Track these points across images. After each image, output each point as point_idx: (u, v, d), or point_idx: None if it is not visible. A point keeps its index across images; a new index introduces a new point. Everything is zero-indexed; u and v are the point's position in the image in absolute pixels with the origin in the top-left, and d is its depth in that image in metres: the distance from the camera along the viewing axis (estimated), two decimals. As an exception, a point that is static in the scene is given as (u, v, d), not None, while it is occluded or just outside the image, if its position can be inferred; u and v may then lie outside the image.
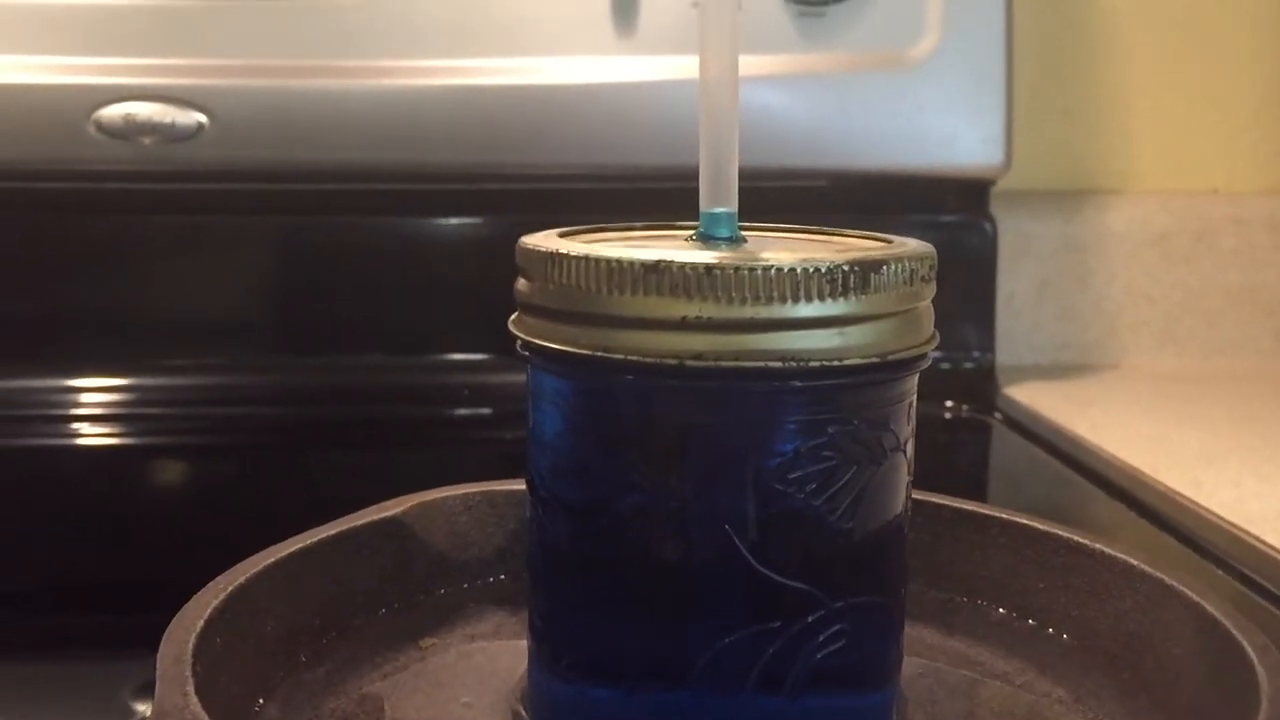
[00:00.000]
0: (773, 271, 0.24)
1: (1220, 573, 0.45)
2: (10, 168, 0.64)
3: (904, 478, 0.27)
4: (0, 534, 0.50)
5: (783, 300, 0.24)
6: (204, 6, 0.65)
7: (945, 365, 0.70)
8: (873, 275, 0.25)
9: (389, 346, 0.70)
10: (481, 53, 0.66)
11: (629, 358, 0.25)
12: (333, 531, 0.34)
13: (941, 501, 0.37)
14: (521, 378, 0.28)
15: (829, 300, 0.25)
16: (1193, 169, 0.81)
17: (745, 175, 0.28)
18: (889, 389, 0.26)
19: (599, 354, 0.25)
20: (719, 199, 0.28)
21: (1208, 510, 0.51)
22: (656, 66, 0.65)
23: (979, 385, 0.71)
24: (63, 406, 0.66)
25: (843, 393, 0.26)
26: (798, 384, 0.25)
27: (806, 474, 0.25)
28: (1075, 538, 0.34)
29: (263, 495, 0.57)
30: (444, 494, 0.38)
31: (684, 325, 0.25)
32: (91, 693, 0.37)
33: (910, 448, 0.28)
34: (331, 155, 0.65)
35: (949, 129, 0.69)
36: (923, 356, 0.27)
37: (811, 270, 0.24)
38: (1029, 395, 0.71)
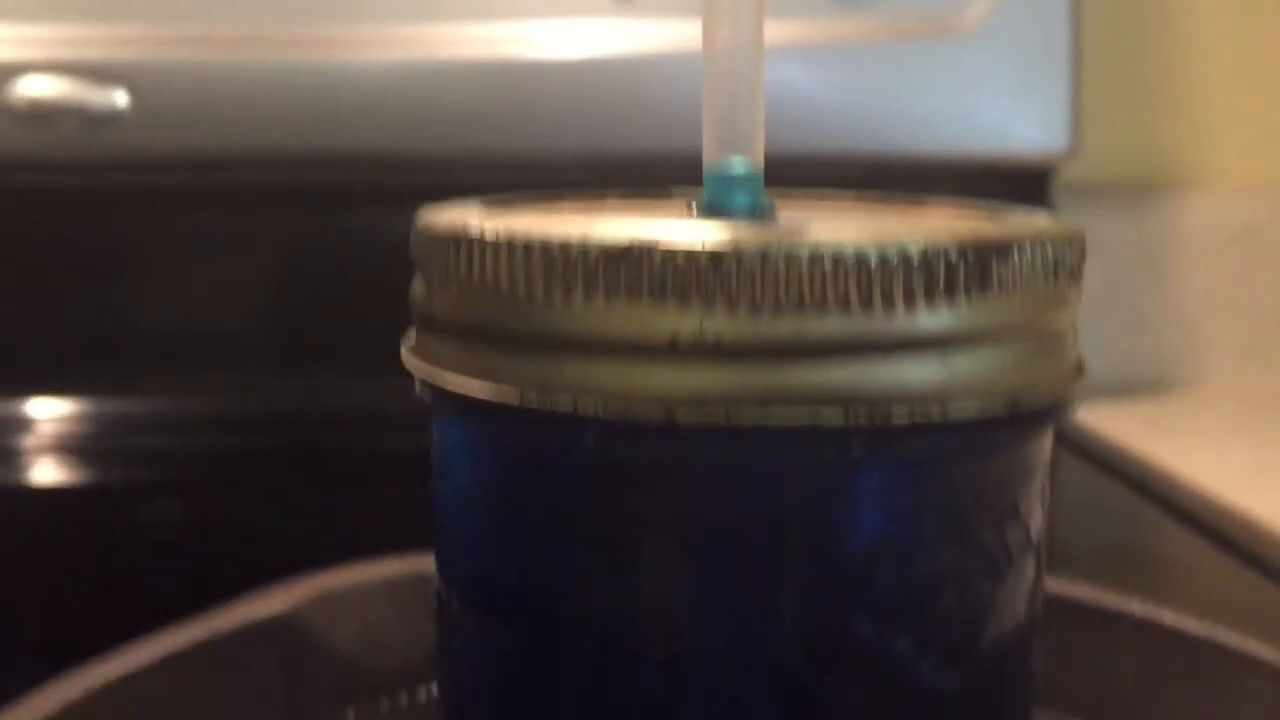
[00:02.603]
0: (827, 260, 0.14)
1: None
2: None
3: (1037, 595, 0.17)
4: None
5: (846, 306, 0.14)
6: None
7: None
8: (997, 264, 0.15)
9: (340, 365, 0.60)
10: (451, 18, 0.55)
11: (582, 406, 0.15)
12: (184, 642, 0.24)
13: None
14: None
15: (928, 306, 0.14)
16: (1280, 156, 0.70)
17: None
18: (1019, 454, 0.16)
19: (532, 398, 0.15)
20: (733, 144, 0.17)
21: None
22: (664, 34, 0.55)
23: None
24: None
25: (949, 465, 0.15)
26: (872, 452, 0.15)
27: (884, 599, 0.15)
28: (1249, 649, 0.24)
29: (212, 548, 0.47)
30: (357, 577, 0.27)
31: (676, 351, 0.14)
32: None
33: (1042, 546, 0.17)
34: (278, 139, 0.55)
35: (1004, 107, 0.59)
36: (1069, 402, 0.16)
37: (897, 256, 0.14)
38: (1099, 419, 0.60)
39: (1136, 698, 0.25)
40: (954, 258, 0.14)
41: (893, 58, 0.58)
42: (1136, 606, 0.26)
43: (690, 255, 0.14)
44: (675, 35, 0.55)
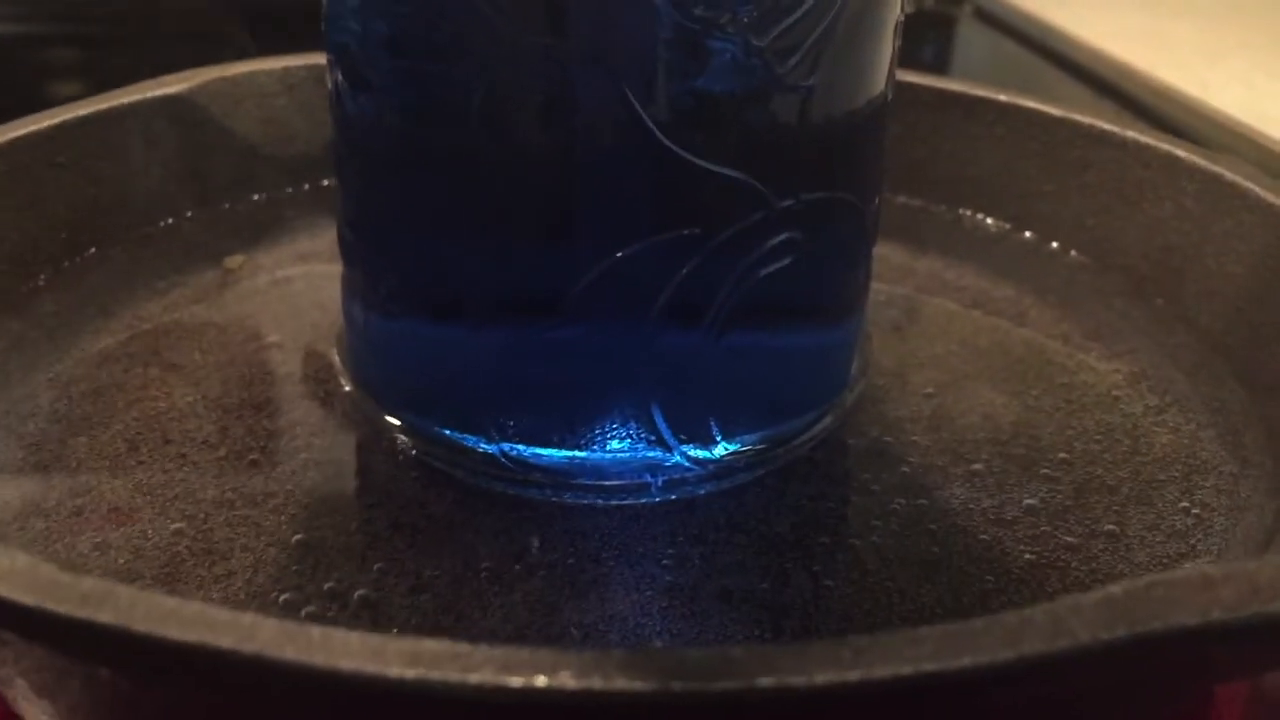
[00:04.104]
0: None
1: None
2: None
3: (892, 16, 0.18)
4: None
5: None
6: None
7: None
8: None
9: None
10: None
11: None
12: (86, 110, 0.24)
13: (918, 80, 0.28)
14: None
15: None
16: None
17: None
18: None
19: None
20: None
21: (1218, 110, 0.42)
22: None
23: (946, -29, 0.61)
24: None
25: None
26: None
27: (745, 3, 0.16)
28: (1100, 125, 0.26)
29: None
30: (253, 67, 0.28)
31: None
32: None
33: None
34: None
35: None
36: None
37: None
38: (1005, -15, 0.61)
39: (993, 180, 0.27)
40: None
41: None
42: (1003, 95, 0.27)
43: None
44: None
